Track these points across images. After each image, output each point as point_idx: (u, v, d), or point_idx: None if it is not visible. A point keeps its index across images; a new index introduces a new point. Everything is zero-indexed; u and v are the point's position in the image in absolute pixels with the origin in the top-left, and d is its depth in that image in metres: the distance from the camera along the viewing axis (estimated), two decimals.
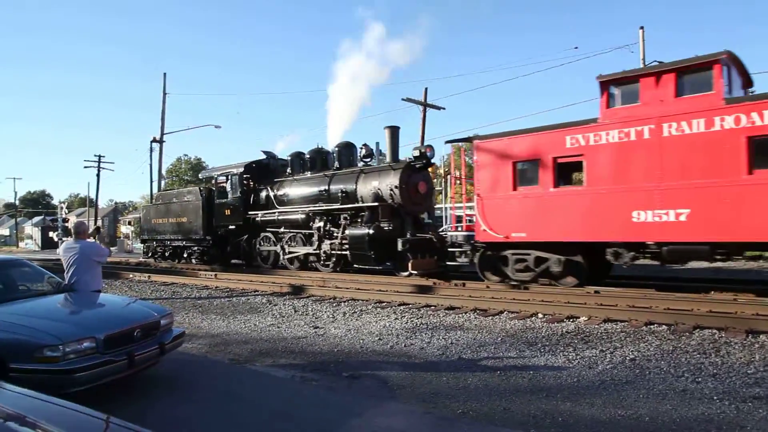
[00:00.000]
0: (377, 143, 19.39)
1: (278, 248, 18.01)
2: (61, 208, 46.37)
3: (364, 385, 5.39)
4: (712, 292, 9.64)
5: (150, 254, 24.73)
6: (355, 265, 15.21)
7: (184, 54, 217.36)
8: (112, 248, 46.99)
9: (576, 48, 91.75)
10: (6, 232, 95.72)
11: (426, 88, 27.79)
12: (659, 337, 6.81)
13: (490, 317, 8.56)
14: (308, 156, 18.32)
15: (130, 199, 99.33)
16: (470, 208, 12.86)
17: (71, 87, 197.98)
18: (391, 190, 14.71)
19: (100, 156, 44.59)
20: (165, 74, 37.38)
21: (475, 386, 5.19)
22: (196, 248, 21.72)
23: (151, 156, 37.05)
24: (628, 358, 5.93)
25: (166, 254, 23.64)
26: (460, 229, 13.44)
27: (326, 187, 16.46)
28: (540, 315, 8.50)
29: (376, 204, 14.72)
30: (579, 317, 8.17)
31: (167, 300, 11.95)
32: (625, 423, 4.14)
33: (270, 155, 20.48)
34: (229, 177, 19.63)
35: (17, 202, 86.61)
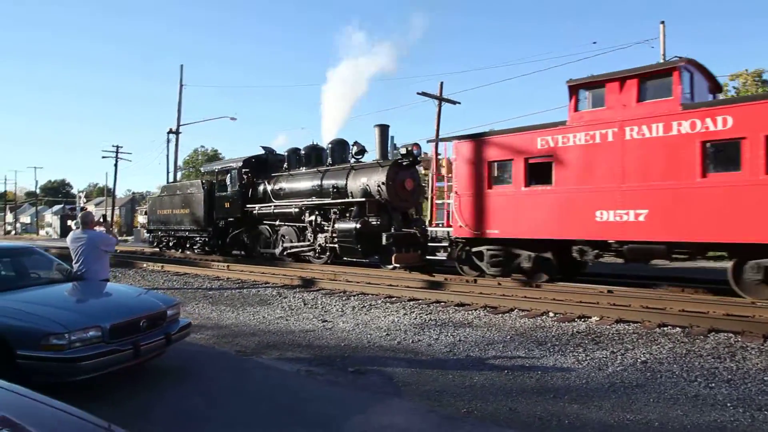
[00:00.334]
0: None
1: (273, 240, 18.71)
2: (80, 197, 47.03)
3: (370, 381, 5.34)
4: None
5: (156, 243, 25.70)
6: (344, 258, 15.71)
7: (199, 52, 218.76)
8: (128, 238, 47.60)
9: (595, 43, 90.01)
10: (27, 220, 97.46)
11: (441, 82, 27.59)
12: (672, 339, 6.67)
13: (500, 315, 8.47)
14: (303, 152, 18.95)
15: (148, 189, 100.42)
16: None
17: (94, 83, 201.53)
18: (379, 186, 15.23)
19: (117, 147, 45.10)
20: (182, 66, 37.82)
21: (481, 385, 5.12)
22: (197, 238, 22.53)
23: (168, 147, 37.44)
24: (639, 360, 5.81)
25: (171, 244, 24.54)
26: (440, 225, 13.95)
27: (319, 183, 17.10)
28: (551, 314, 8.38)
29: (363, 199, 15.21)
30: (591, 317, 8.04)
31: (179, 290, 12.02)
32: (633, 428, 4.05)
33: (268, 150, 21.06)
34: (229, 171, 20.41)
35: (38, 191, 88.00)
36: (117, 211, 51.00)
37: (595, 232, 10.39)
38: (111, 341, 4.67)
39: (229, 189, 20.27)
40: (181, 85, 36.87)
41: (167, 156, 37.56)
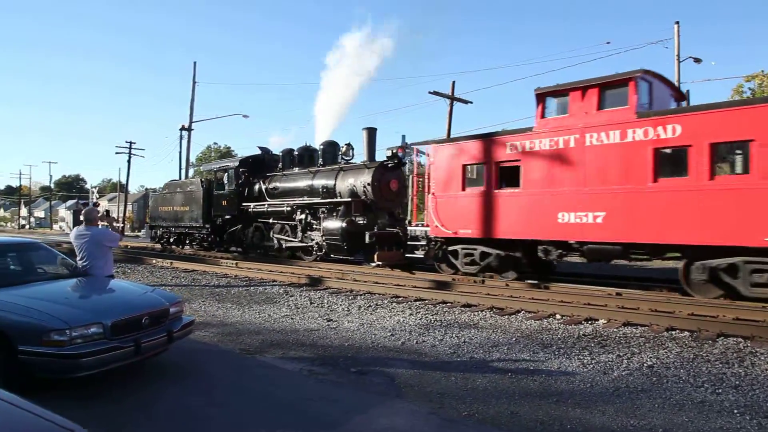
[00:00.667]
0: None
1: (267, 237, 19.36)
2: (92, 192, 47.46)
3: (372, 382, 5.31)
4: None
5: (158, 239, 26.31)
6: (331, 255, 16.40)
7: (213, 50, 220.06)
8: (140, 233, 47.96)
9: (608, 43, 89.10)
10: (41, 214, 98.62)
11: (453, 81, 27.51)
12: (680, 343, 6.56)
13: (506, 316, 8.40)
14: (297, 153, 19.83)
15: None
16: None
17: (111, 78, 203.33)
18: (365, 186, 15.91)
19: (131, 142, 45.46)
20: (195, 63, 37.94)
21: (483, 388, 5.06)
22: (196, 235, 23.26)
23: (180, 143, 37.68)
24: (645, 364, 5.72)
25: (172, 240, 25.18)
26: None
27: (310, 182, 17.83)
28: (558, 316, 8.30)
29: (350, 200, 15.87)
30: (598, 320, 7.94)
31: (186, 287, 12.06)
32: None
33: (265, 150, 21.77)
34: (227, 170, 21.14)
35: (52, 186, 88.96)
36: (129, 207, 51.40)
37: (558, 233, 10.99)
38: (112, 338, 4.68)
39: (226, 187, 21.01)
40: (194, 82, 37.19)
41: (179, 152, 37.87)
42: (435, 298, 9.92)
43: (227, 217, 20.99)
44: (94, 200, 46.17)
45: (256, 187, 20.07)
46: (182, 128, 37.51)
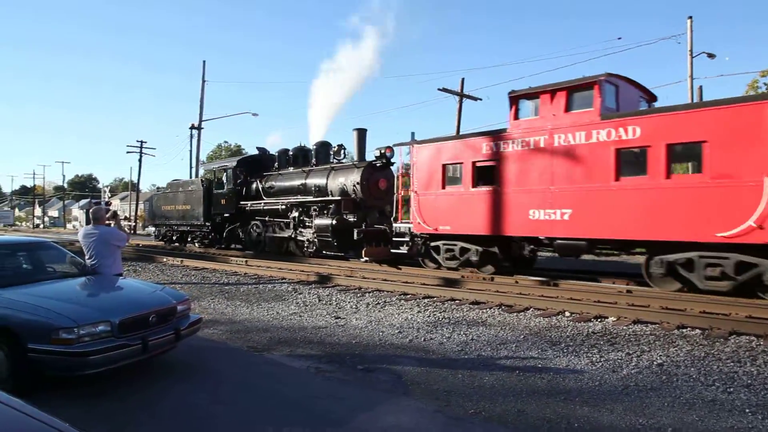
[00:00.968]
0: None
1: (263, 234, 19.87)
2: (104, 192, 47.92)
3: (378, 380, 5.30)
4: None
5: (160, 237, 27.07)
6: (323, 252, 16.97)
7: (223, 49, 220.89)
8: (150, 232, 48.28)
9: (619, 39, 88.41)
10: (55, 213, 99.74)
11: (463, 78, 27.38)
12: (691, 341, 6.49)
13: (515, 314, 8.35)
14: (292, 153, 20.44)
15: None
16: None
17: (121, 78, 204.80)
18: (354, 185, 16.48)
19: (142, 142, 45.89)
20: (204, 62, 38.09)
21: (490, 385, 5.03)
22: (197, 233, 23.91)
23: (191, 142, 37.91)
24: (655, 363, 5.65)
25: (174, 238, 25.89)
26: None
27: (304, 182, 18.45)
28: (567, 313, 8.23)
29: (340, 198, 16.51)
30: (608, 317, 7.87)
31: (196, 285, 12.12)
32: None
33: (262, 151, 22.22)
34: (226, 170, 21.79)
35: (65, 185, 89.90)
36: (141, 206, 51.81)
37: (529, 229, 11.55)
38: (120, 336, 4.71)
39: (225, 187, 21.60)
40: (204, 81, 37.33)
41: (190, 151, 38.08)
42: (443, 296, 9.89)
43: (226, 215, 21.59)
44: (107, 199, 46.60)
45: (254, 186, 20.66)
46: (192, 127, 37.75)
